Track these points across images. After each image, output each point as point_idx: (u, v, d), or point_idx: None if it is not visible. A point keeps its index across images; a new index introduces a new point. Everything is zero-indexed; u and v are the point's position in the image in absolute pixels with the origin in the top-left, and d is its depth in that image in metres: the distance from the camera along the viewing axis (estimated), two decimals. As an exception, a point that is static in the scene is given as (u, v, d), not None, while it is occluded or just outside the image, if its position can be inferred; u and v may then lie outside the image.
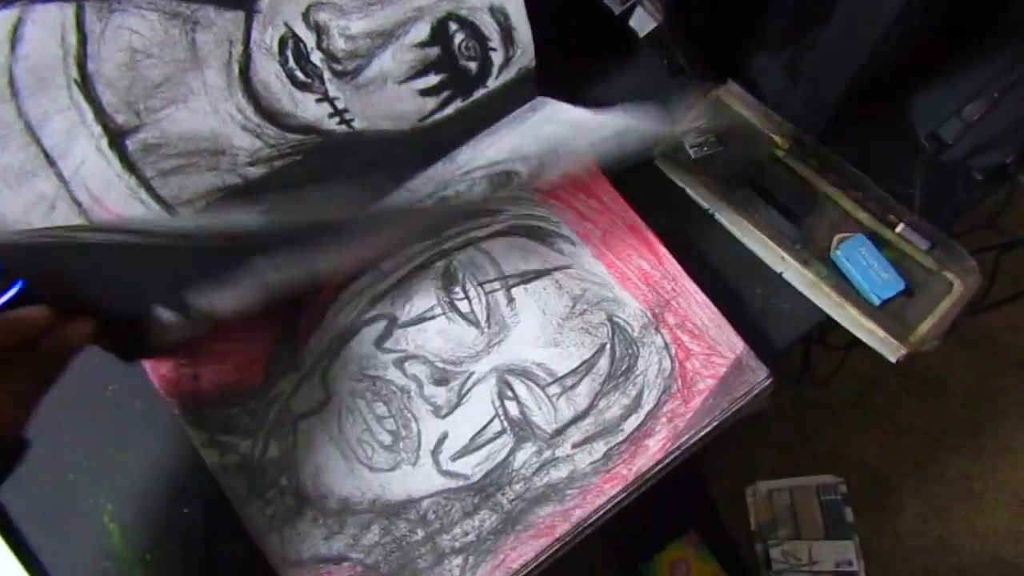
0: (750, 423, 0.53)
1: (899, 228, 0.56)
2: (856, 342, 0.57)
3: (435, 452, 0.51)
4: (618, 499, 0.50)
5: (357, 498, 0.50)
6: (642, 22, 0.50)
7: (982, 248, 0.66)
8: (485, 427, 0.52)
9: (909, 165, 0.58)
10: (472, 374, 0.53)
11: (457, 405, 0.52)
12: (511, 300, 0.54)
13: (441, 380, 0.53)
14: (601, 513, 0.50)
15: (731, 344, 0.53)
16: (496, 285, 0.55)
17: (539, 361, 0.53)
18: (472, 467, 0.51)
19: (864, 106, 0.57)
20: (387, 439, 0.52)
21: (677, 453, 0.51)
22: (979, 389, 1.36)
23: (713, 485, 1.26)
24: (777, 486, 1.24)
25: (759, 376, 0.52)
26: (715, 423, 0.51)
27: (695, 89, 0.59)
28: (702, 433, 0.51)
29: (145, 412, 0.54)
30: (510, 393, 0.52)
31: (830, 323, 0.57)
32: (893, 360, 0.54)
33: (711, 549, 1.20)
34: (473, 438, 0.51)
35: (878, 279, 0.55)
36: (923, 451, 1.33)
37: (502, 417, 0.52)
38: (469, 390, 0.52)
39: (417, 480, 0.51)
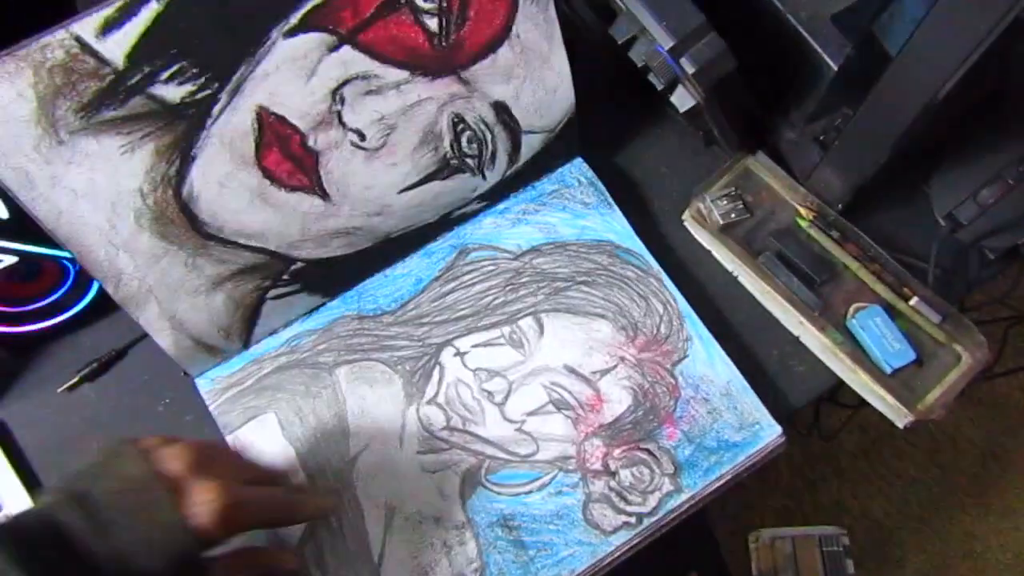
0: (758, 471, 0.56)
1: (913, 301, 0.59)
2: (865, 402, 0.60)
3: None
4: (633, 543, 0.53)
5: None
6: (682, 99, 0.53)
7: (992, 320, 0.70)
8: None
9: (925, 241, 0.62)
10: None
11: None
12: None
13: None
14: (617, 555, 0.53)
15: (748, 402, 0.56)
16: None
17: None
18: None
19: (886, 184, 0.60)
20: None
21: (693, 502, 0.54)
22: (987, 448, 1.38)
23: (718, 529, 1.28)
24: (780, 534, 1.26)
25: (773, 436, 0.55)
26: (730, 475, 0.54)
27: (727, 158, 0.63)
28: (718, 484, 0.54)
29: (195, 427, 0.58)
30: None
31: (840, 384, 0.60)
32: (900, 426, 0.58)
33: (712, 592, 1.22)
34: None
35: (890, 348, 0.58)
36: (928, 506, 1.34)
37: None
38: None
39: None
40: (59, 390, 0.59)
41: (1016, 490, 1.35)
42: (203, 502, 0.39)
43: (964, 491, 1.35)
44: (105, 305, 0.60)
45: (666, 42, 0.49)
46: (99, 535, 0.37)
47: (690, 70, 0.50)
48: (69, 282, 0.58)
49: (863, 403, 0.60)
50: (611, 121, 0.66)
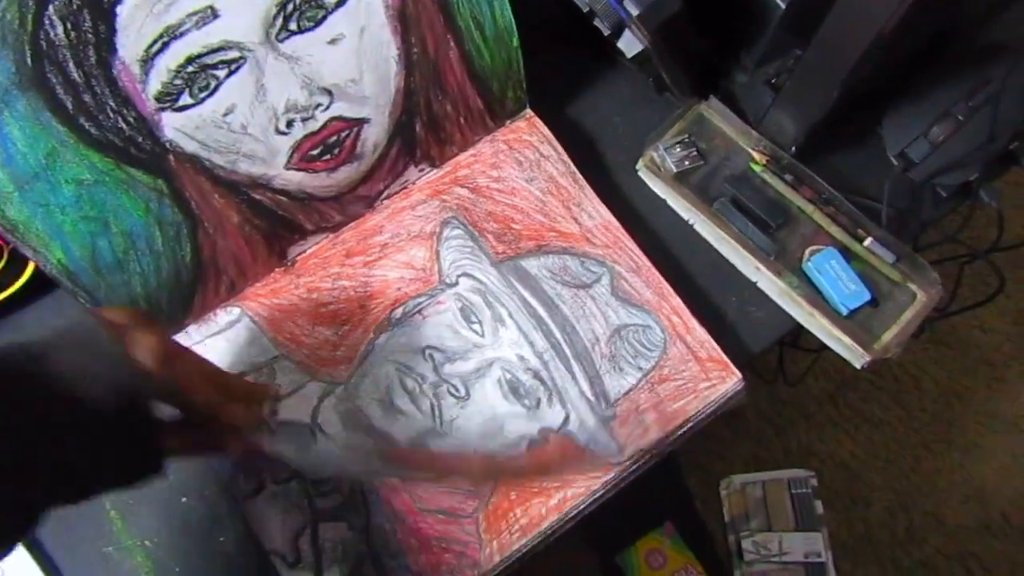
0: (727, 419, 0.56)
1: (867, 242, 0.59)
2: (826, 346, 0.60)
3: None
4: (598, 493, 0.53)
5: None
6: (630, 44, 0.52)
7: (946, 259, 0.70)
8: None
9: (878, 182, 0.62)
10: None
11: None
12: None
13: None
14: (583, 506, 0.53)
15: (707, 351, 0.56)
16: None
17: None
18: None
19: (838, 125, 0.60)
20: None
21: (655, 450, 0.54)
22: (949, 387, 1.40)
23: (689, 478, 1.30)
24: (750, 479, 1.28)
25: (732, 381, 0.55)
26: (690, 424, 0.55)
27: (679, 104, 0.62)
28: (678, 433, 0.54)
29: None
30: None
31: (801, 329, 0.60)
32: (858, 366, 0.58)
33: (685, 539, 1.24)
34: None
35: (846, 290, 0.58)
36: (893, 446, 1.37)
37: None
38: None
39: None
40: None
41: (977, 426, 1.38)
42: (145, 342, 0.39)
43: (927, 430, 1.38)
44: (43, 284, 0.58)
45: (609, -16, 0.48)
46: (32, 361, 0.35)
47: (634, 12, 0.48)
48: (2, 261, 0.56)
49: (824, 347, 0.60)
50: (560, 71, 0.64)
